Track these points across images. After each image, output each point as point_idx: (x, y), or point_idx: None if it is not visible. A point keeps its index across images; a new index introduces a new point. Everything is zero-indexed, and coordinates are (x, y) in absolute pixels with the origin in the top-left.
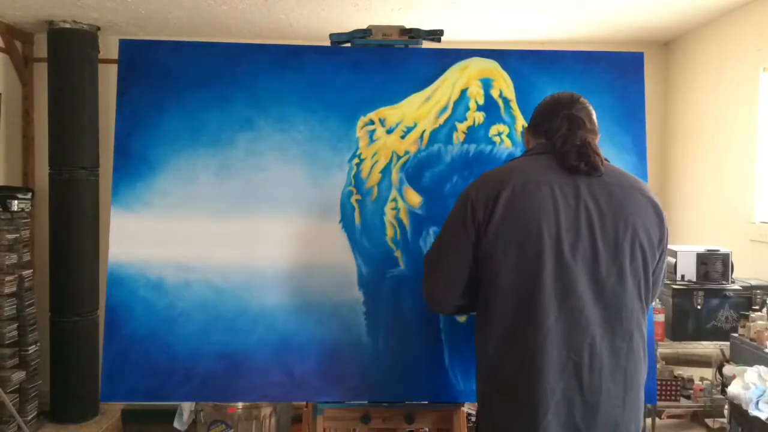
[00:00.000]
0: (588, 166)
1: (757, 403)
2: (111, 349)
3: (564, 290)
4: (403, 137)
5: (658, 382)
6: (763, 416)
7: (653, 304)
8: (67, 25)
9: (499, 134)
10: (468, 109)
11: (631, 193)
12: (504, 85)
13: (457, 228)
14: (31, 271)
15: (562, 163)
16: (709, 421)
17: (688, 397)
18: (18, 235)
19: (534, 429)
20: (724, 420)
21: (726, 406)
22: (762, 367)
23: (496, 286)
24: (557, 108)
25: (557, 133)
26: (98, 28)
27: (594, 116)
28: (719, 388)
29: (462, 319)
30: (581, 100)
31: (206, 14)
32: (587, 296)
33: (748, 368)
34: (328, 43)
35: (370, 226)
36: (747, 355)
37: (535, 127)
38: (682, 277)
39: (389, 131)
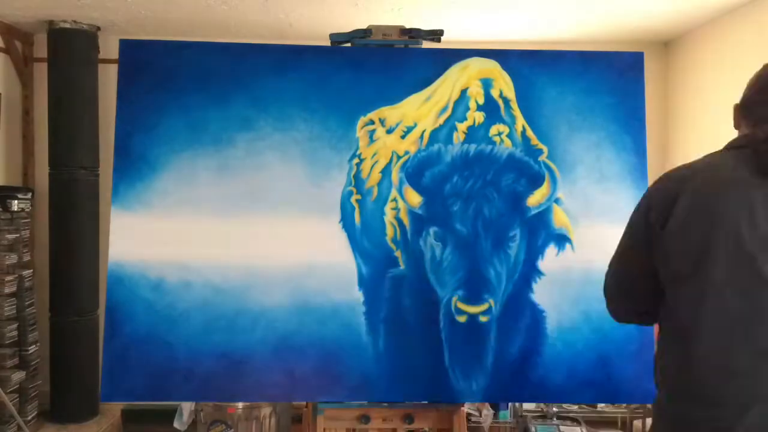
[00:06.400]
0: None
1: None
2: (111, 349)
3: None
4: (403, 137)
5: None
6: None
7: None
8: (67, 25)
9: (499, 134)
10: (468, 108)
11: None
12: (504, 85)
13: (633, 228)
14: (31, 271)
15: (758, 164)
16: None
17: None
18: (18, 235)
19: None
20: None
21: None
22: None
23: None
24: None
25: (765, 124)
26: (98, 28)
27: None
28: None
29: (462, 319)
30: None
31: (206, 14)
32: None
33: None
34: (328, 43)
35: (370, 226)
36: None
37: (744, 108)
38: None
39: (389, 131)
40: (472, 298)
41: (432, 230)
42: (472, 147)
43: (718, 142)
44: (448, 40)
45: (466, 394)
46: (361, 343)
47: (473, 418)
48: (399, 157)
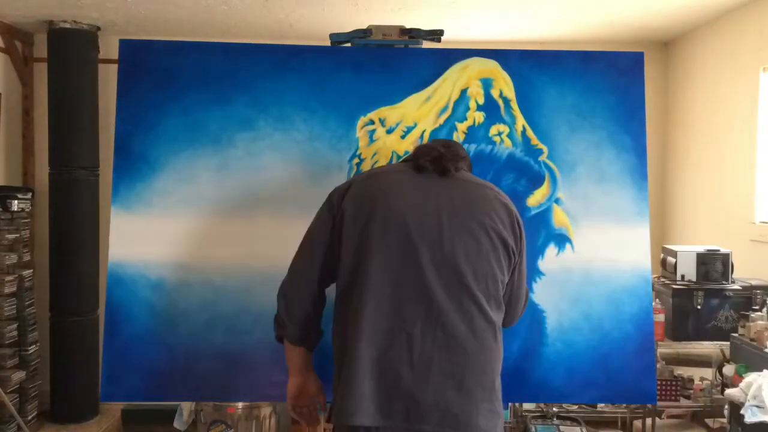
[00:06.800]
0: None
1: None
2: (111, 349)
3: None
4: (403, 137)
5: (658, 382)
6: (756, 420)
7: (655, 303)
8: (67, 25)
9: (499, 134)
10: (468, 108)
11: (481, 189)
12: (504, 85)
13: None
14: (31, 271)
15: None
16: (709, 421)
17: (688, 397)
18: (18, 235)
19: (355, 398)
20: (724, 420)
21: (726, 406)
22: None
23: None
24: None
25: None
26: (98, 28)
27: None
28: (719, 388)
29: None
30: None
31: (206, 14)
32: (430, 271)
33: (753, 374)
34: (328, 43)
35: None
36: (747, 355)
37: None
38: (682, 277)
39: (389, 131)
40: None
41: None
42: (472, 147)
43: (717, 142)
44: (448, 40)
45: None
46: None
47: None
48: (399, 157)
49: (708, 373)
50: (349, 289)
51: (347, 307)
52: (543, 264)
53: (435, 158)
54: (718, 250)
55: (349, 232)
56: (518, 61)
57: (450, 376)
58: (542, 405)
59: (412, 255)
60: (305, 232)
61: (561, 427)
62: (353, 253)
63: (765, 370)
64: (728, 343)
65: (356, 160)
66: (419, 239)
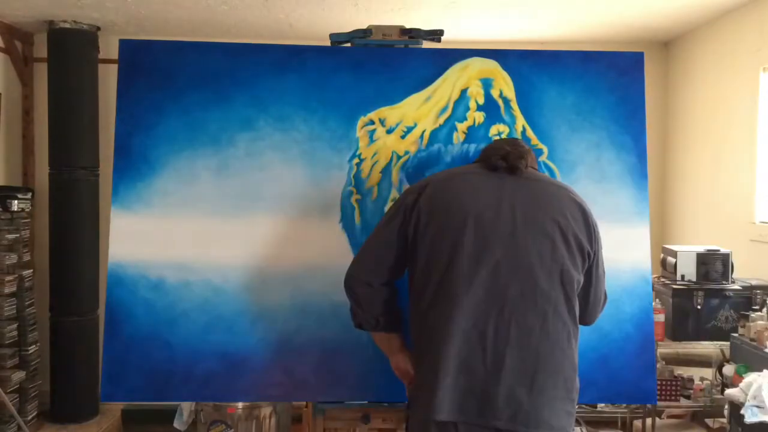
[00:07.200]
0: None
1: (752, 408)
2: (111, 349)
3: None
4: (403, 137)
5: (658, 382)
6: (756, 420)
7: (655, 303)
8: (67, 25)
9: (499, 134)
10: (468, 108)
11: (554, 188)
12: (504, 85)
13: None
14: (31, 271)
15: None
16: (709, 421)
17: (688, 397)
18: (18, 235)
19: (433, 393)
20: (724, 420)
21: (726, 406)
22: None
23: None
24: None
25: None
26: (98, 28)
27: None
28: (719, 388)
29: None
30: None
31: (206, 14)
32: (505, 271)
33: (753, 374)
34: (328, 43)
35: (370, 226)
36: (747, 355)
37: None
38: (682, 277)
39: (389, 131)
40: None
41: None
42: (472, 147)
43: (717, 142)
44: (448, 40)
45: None
46: (361, 343)
47: None
48: (399, 157)
49: (708, 373)
50: (424, 289)
51: (423, 306)
52: None
53: (504, 156)
54: (718, 250)
55: (423, 233)
56: (518, 61)
57: (522, 375)
58: None
59: (486, 255)
60: (375, 227)
61: None
62: (427, 253)
63: (765, 370)
64: (728, 343)
65: (356, 160)
66: (493, 239)
